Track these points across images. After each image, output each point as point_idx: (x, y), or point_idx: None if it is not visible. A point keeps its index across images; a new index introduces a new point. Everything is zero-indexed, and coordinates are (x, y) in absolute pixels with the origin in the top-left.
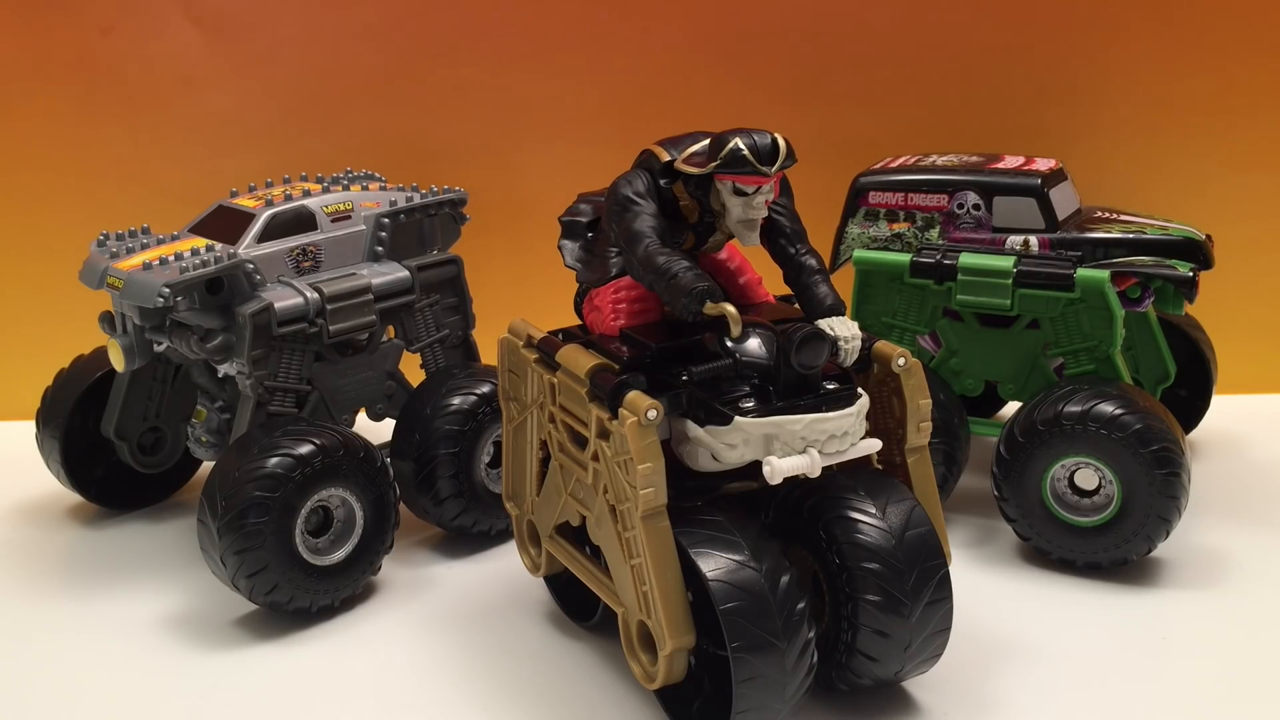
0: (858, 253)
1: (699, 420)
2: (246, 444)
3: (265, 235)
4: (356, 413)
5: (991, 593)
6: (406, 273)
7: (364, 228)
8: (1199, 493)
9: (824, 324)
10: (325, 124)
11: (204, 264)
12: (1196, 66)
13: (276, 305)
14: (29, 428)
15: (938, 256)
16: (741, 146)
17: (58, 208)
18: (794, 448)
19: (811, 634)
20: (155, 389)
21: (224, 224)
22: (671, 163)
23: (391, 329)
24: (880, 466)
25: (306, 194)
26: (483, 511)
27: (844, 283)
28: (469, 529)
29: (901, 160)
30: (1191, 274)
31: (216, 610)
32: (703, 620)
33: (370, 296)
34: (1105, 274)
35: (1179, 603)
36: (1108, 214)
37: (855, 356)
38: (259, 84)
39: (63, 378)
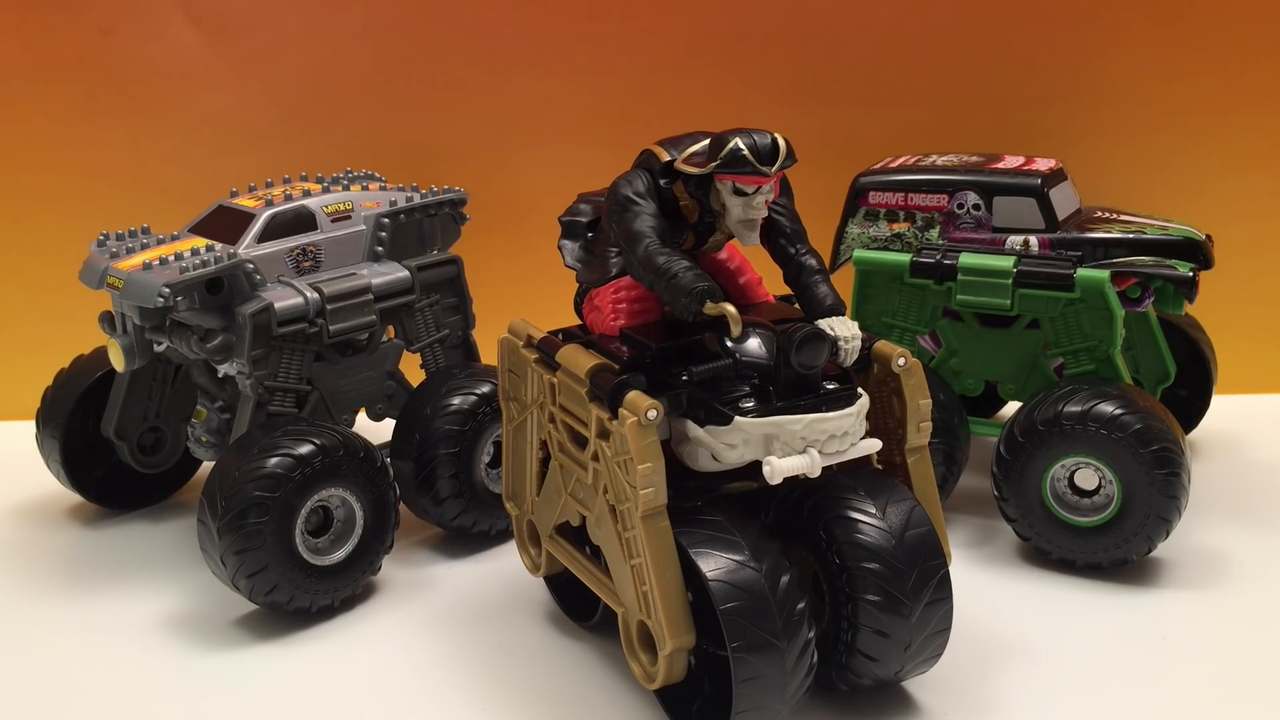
0: (858, 253)
1: (699, 420)
2: (246, 444)
3: (265, 235)
4: (356, 413)
5: (991, 593)
6: (406, 273)
7: (364, 228)
8: (1199, 493)
9: (824, 324)
10: (325, 124)
11: (204, 264)
12: (1196, 66)
13: (276, 305)
14: (29, 428)
15: (938, 256)
16: (741, 146)
17: (58, 208)
18: (794, 448)
19: (811, 634)
20: (155, 389)
21: (224, 224)
22: (671, 163)
23: (391, 329)
24: (880, 466)
25: (306, 194)
26: (483, 511)
27: (844, 283)
28: (469, 529)
29: (901, 160)
30: (1191, 274)
31: (216, 610)
32: (703, 620)
33: (370, 296)
34: (1105, 274)
35: (1179, 603)
36: (1108, 214)
37: (855, 356)
38: (259, 84)
39: (63, 378)
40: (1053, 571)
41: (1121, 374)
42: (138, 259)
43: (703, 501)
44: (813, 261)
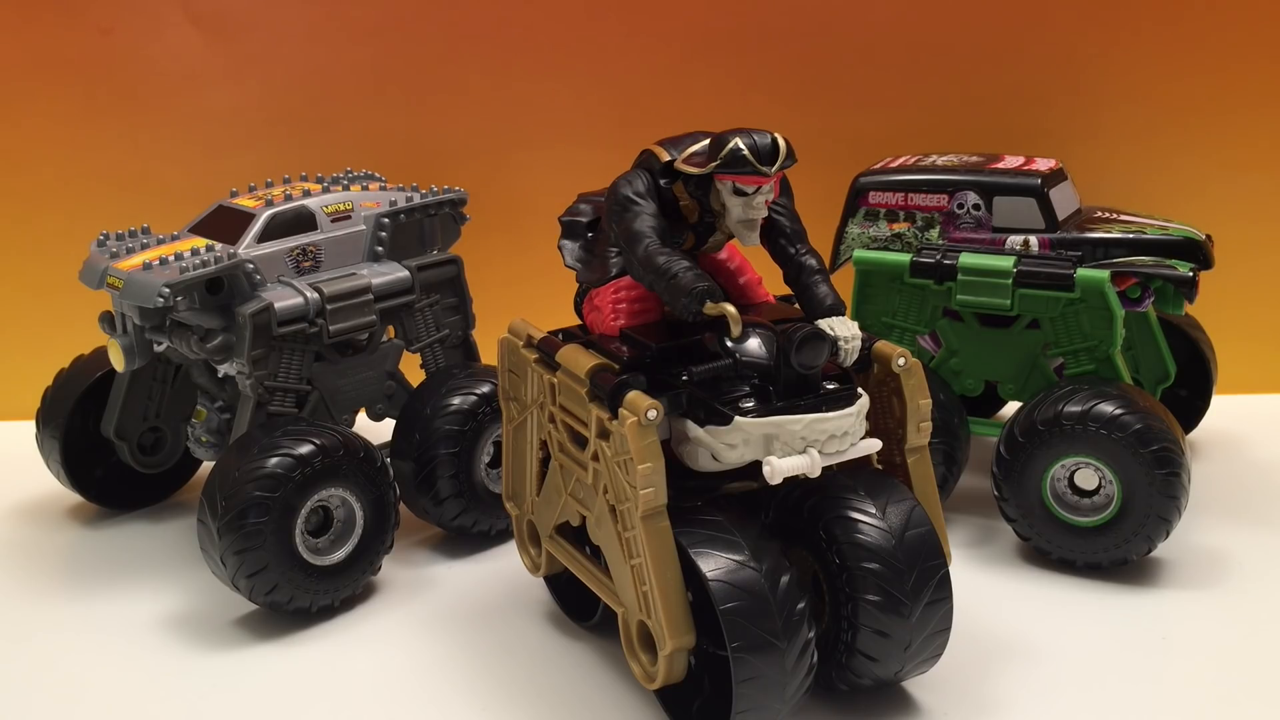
0: (858, 253)
1: (699, 420)
2: (246, 444)
3: (265, 235)
4: (356, 413)
5: (991, 593)
6: (406, 273)
7: (364, 228)
8: (1199, 493)
9: (824, 324)
10: (325, 124)
11: (204, 264)
12: (1196, 66)
13: (276, 305)
14: (29, 428)
15: (938, 256)
16: (741, 146)
17: (58, 208)
18: (794, 448)
19: (811, 634)
20: (155, 389)
21: (224, 224)
22: (671, 163)
23: (391, 329)
24: (880, 466)
25: (306, 194)
26: (483, 511)
27: (844, 283)
28: (469, 529)
29: (901, 160)
30: (1191, 274)
31: (216, 610)
32: (703, 620)
33: (370, 296)
34: (1105, 274)
35: (1179, 603)
36: (1108, 214)
37: (855, 356)
38: (258, 84)
39: (63, 378)
40: (1053, 571)
41: (1121, 374)
42: (138, 259)
43: (703, 501)
44: (813, 261)
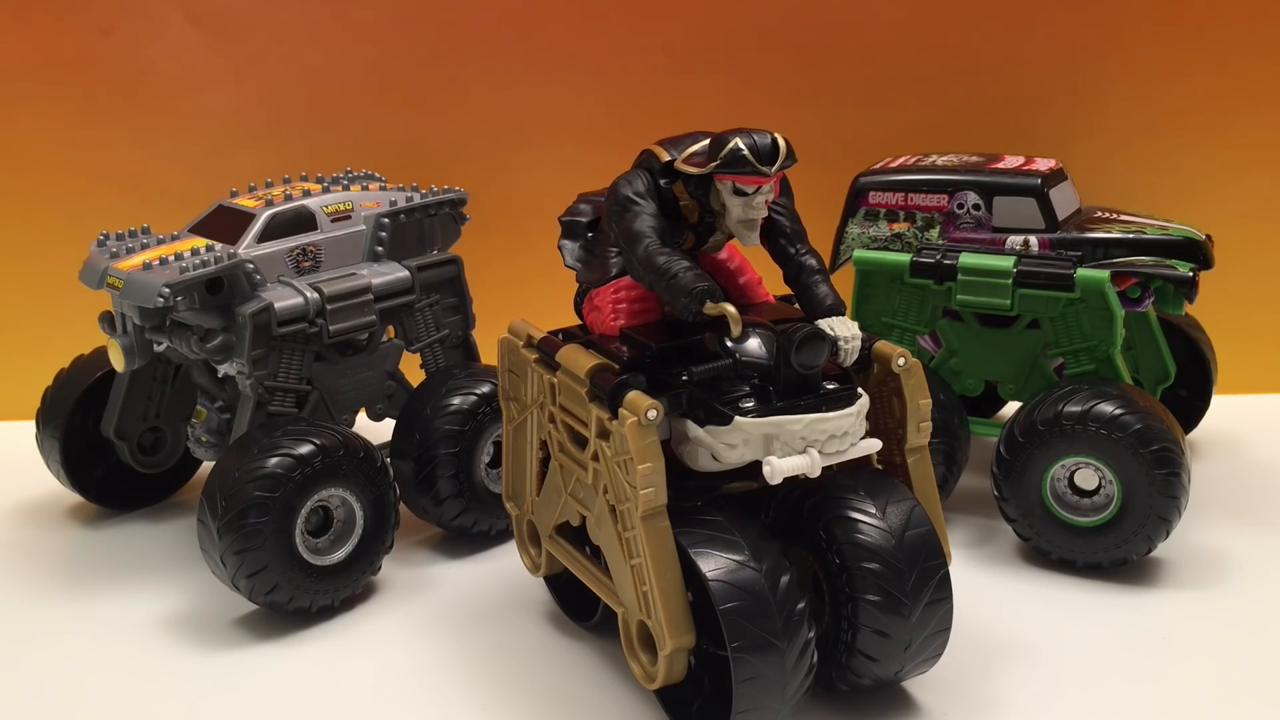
0: (858, 253)
1: (699, 420)
2: (246, 444)
3: (265, 235)
4: (356, 413)
5: (991, 593)
6: (406, 273)
7: (364, 228)
8: (1199, 493)
9: (824, 324)
10: (325, 124)
11: (204, 264)
12: (1196, 66)
13: (276, 305)
14: (29, 428)
15: (938, 256)
16: (741, 146)
17: (58, 208)
18: (794, 448)
19: (811, 634)
20: (155, 389)
21: (224, 224)
22: (671, 163)
23: (391, 329)
24: (880, 466)
25: (306, 194)
26: (483, 511)
27: (844, 283)
28: (469, 529)
29: (901, 160)
30: (1191, 274)
31: (216, 610)
32: (703, 620)
33: (370, 296)
34: (1105, 274)
35: (1179, 603)
36: (1108, 214)
37: (855, 356)
38: (259, 84)
39: (63, 378)
40: (1053, 571)
41: (1121, 374)
42: (138, 259)
43: (703, 501)
44: (813, 261)
